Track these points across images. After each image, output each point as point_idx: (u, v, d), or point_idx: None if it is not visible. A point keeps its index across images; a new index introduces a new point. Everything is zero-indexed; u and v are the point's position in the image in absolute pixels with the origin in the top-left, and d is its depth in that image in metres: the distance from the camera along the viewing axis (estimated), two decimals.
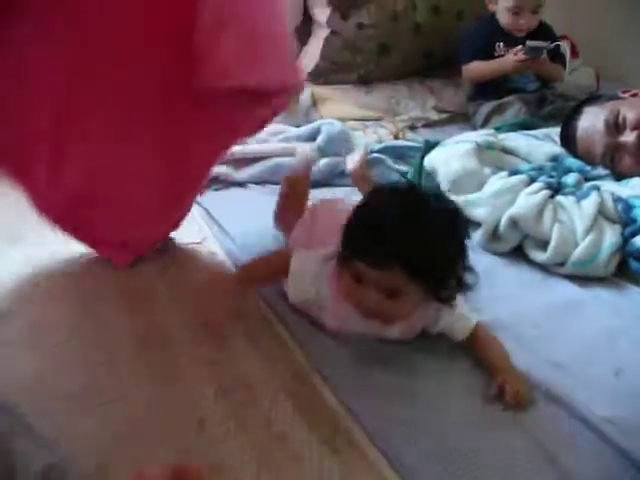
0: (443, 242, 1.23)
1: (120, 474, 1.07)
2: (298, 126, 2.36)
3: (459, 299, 1.36)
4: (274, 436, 1.18)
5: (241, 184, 2.11)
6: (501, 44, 2.65)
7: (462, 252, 1.29)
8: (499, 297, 1.58)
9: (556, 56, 2.69)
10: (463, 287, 1.30)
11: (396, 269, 1.19)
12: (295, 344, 1.42)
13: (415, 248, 1.19)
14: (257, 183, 2.11)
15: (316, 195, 1.89)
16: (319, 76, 2.80)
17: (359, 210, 1.29)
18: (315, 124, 2.28)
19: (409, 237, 1.19)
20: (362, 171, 2.01)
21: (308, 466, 1.12)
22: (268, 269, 1.51)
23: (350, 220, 1.28)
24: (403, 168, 2.16)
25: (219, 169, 2.08)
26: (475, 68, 2.65)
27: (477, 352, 1.36)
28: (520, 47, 2.53)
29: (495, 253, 1.78)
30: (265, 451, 1.14)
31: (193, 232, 1.84)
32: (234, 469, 1.11)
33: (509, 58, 2.56)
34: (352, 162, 2.04)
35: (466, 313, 1.37)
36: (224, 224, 1.89)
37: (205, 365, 1.34)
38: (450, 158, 1.97)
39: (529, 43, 2.52)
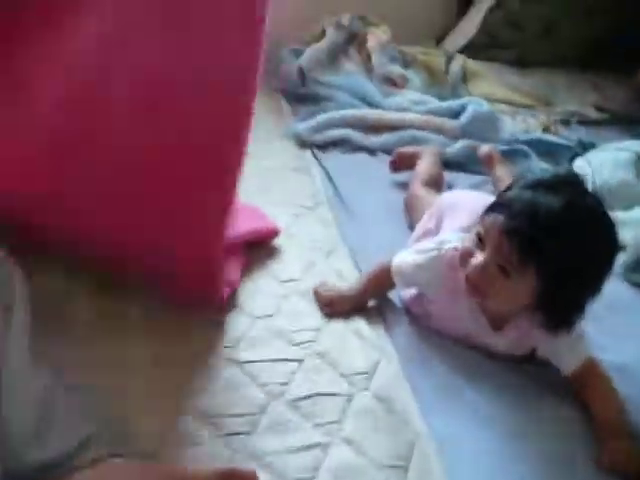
0: (585, 254, 1.09)
1: None
2: (443, 99, 2.17)
3: (579, 329, 1.19)
4: None
5: (371, 151, 1.96)
6: None
7: (598, 279, 1.13)
8: (630, 336, 1.37)
9: None
10: (579, 317, 1.15)
11: (515, 244, 1.08)
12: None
13: (551, 240, 1.07)
14: (389, 152, 1.93)
15: (449, 179, 1.78)
16: (474, 50, 2.57)
17: (525, 182, 1.17)
18: (462, 100, 2.09)
19: (553, 225, 1.08)
20: (492, 151, 1.84)
21: None
22: (376, 287, 1.37)
23: (512, 185, 1.19)
24: (547, 167, 1.94)
25: (350, 132, 1.94)
26: None
27: (585, 395, 1.17)
28: None
29: (636, 284, 1.56)
30: None
31: (307, 195, 1.72)
32: None
33: None
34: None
35: (583, 345, 1.20)
36: (342, 189, 1.75)
37: None
38: (605, 165, 1.75)
39: None
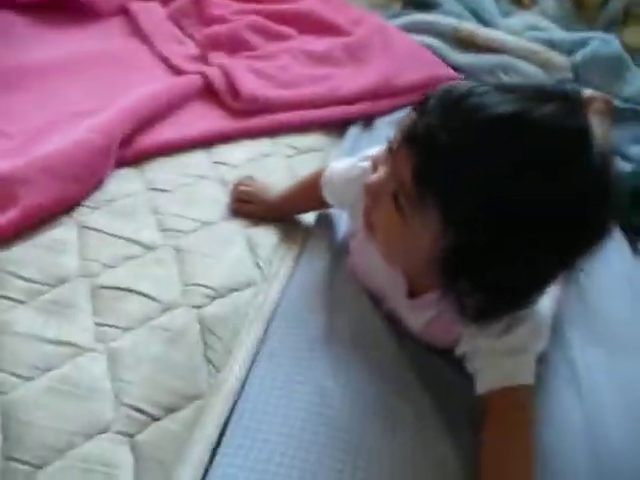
0: (541, 201, 0.61)
1: None
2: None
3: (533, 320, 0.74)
4: None
5: (453, 68, 1.54)
6: None
7: (562, 252, 0.65)
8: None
9: None
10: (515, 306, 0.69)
11: (411, 162, 0.66)
12: None
13: (474, 164, 0.61)
14: (470, 74, 1.50)
15: None
16: None
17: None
18: (588, 34, 1.59)
19: (484, 140, 0.61)
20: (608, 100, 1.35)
21: None
22: (303, 198, 1.01)
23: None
24: None
25: (437, 43, 1.58)
26: None
27: (484, 435, 0.73)
28: None
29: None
30: None
31: None
32: None
33: None
34: None
35: (521, 356, 0.73)
36: None
37: None
38: None
39: None
